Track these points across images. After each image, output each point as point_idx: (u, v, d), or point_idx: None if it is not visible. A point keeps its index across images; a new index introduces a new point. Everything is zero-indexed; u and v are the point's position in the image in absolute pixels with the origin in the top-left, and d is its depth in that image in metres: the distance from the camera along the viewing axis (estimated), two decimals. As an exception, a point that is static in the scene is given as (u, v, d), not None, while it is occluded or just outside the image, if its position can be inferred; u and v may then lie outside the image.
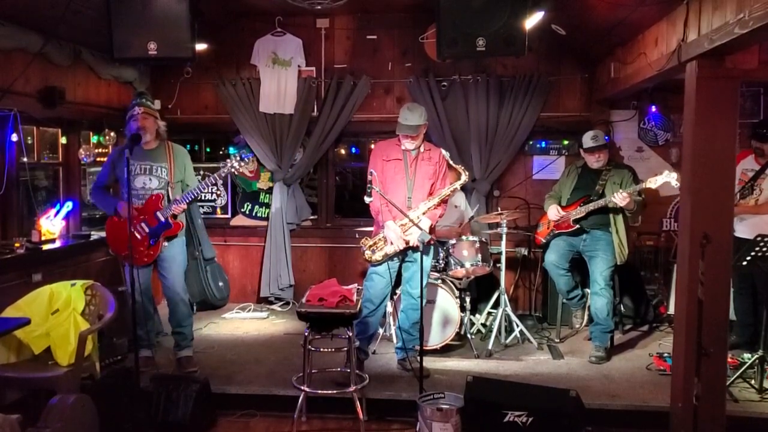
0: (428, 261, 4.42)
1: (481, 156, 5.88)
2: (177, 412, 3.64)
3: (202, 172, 6.24)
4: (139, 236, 4.35)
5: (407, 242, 4.21)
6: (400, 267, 4.40)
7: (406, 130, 4.21)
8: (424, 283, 4.13)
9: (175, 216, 4.38)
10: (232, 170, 4.42)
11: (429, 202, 4.29)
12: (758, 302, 4.64)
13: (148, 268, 4.51)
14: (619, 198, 4.51)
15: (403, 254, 4.31)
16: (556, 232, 4.94)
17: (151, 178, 4.38)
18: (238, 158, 4.39)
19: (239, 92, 6.12)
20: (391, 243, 4.21)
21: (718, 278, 3.44)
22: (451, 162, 4.41)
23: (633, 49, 4.61)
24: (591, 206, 4.69)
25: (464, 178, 4.42)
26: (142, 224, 4.35)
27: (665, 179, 4.38)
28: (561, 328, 5.33)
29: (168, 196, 4.38)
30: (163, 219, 4.33)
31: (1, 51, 4.09)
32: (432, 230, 4.33)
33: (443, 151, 4.40)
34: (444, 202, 4.38)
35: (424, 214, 4.27)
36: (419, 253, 4.04)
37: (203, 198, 6.44)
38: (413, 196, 4.30)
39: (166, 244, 4.42)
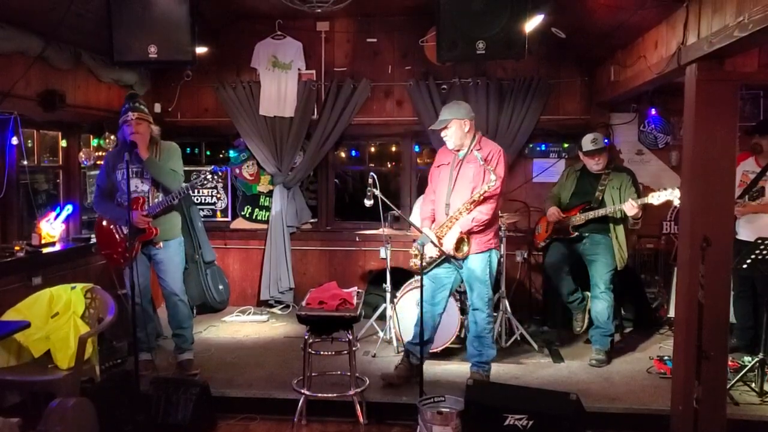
0: (482, 265, 4.15)
1: (481, 159, 5.88)
2: (177, 415, 3.64)
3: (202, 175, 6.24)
4: (118, 237, 4.39)
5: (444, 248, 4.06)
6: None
7: (435, 125, 4.16)
8: (441, 292, 4.20)
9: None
10: (198, 185, 4.38)
11: (461, 207, 4.06)
12: (758, 305, 4.63)
13: (147, 271, 4.50)
14: (628, 207, 4.49)
15: (454, 260, 4.06)
16: (555, 237, 4.95)
17: (143, 180, 4.36)
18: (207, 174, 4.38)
19: (239, 95, 6.12)
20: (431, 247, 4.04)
21: (718, 281, 3.44)
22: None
23: (633, 52, 4.61)
24: (591, 215, 4.68)
25: (493, 179, 3.94)
26: (123, 226, 4.35)
27: (668, 197, 4.33)
28: (561, 332, 5.32)
29: (149, 200, 4.34)
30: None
31: (1, 54, 4.09)
32: (469, 235, 4.06)
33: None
34: (481, 203, 4.00)
35: (453, 218, 4.07)
36: (468, 260, 4.03)
37: (203, 201, 6.44)
38: (451, 202, 4.13)
39: (161, 246, 4.40)
